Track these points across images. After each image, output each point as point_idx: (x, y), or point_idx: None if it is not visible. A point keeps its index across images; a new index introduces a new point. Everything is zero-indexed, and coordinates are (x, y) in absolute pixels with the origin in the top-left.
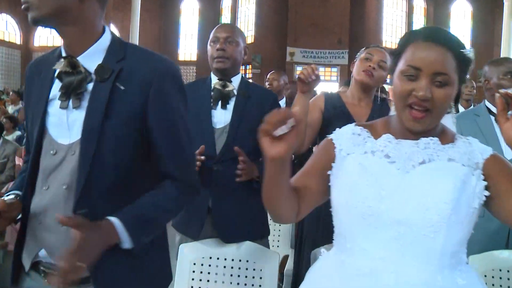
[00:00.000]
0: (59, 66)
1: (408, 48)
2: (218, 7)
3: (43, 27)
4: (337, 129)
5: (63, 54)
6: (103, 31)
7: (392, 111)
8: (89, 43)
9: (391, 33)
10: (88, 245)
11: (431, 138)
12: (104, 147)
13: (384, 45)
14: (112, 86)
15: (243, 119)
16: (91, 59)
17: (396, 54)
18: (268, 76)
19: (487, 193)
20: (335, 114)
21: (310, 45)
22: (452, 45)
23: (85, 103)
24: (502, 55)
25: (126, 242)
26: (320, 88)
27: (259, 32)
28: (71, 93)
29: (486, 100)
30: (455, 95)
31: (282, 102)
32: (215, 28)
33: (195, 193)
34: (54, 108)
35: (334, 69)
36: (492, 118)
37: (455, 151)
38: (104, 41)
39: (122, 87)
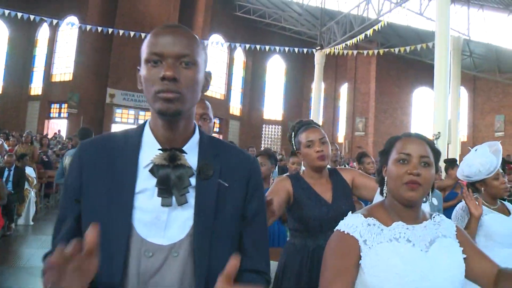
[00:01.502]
0: (157, 159)
1: (396, 143)
2: (33, 37)
3: (168, 118)
4: (344, 221)
5: (158, 146)
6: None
7: (377, 198)
8: (189, 136)
9: (212, 82)
10: None
11: (430, 221)
12: (214, 246)
13: (205, 93)
14: (218, 184)
15: None
16: (189, 153)
17: (385, 152)
18: None
19: (464, 255)
20: (306, 196)
21: (132, 88)
22: (427, 140)
23: (190, 200)
24: (311, 111)
25: None
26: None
27: (78, 70)
28: (172, 189)
29: None
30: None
31: None
32: None
33: None
34: (145, 203)
35: None
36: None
37: (441, 228)
38: (197, 135)
39: (226, 184)
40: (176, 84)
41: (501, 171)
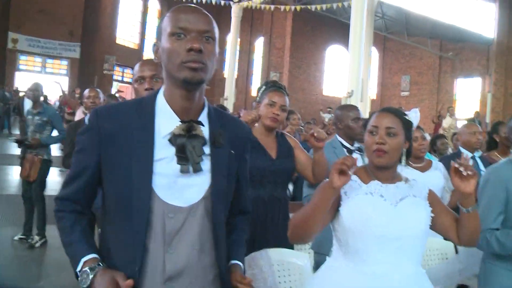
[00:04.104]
0: (177, 130)
1: (371, 117)
2: None
3: (192, 86)
4: None
5: (173, 115)
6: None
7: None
8: (201, 107)
9: (125, 30)
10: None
11: (403, 182)
12: (225, 206)
13: (118, 42)
14: (228, 152)
15: None
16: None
17: (366, 122)
18: (88, 94)
19: (432, 214)
20: (254, 148)
21: (38, 33)
22: (397, 113)
23: (204, 167)
24: (226, 64)
25: None
26: (49, 80)
27: None
28: (188, 157)
29: (337, 136)
30: (406, 152)
31: None
32: (138, 66)
33: None
34: (164, 169)
35: (64, 62)
36: (345, 150)
37: (413, 189)
38: (206, 107)
39: (232, 151)
40: (200, 56)
41: (423, 134)
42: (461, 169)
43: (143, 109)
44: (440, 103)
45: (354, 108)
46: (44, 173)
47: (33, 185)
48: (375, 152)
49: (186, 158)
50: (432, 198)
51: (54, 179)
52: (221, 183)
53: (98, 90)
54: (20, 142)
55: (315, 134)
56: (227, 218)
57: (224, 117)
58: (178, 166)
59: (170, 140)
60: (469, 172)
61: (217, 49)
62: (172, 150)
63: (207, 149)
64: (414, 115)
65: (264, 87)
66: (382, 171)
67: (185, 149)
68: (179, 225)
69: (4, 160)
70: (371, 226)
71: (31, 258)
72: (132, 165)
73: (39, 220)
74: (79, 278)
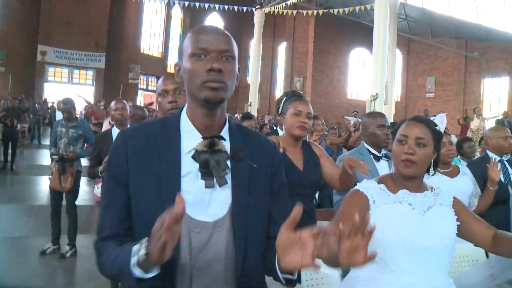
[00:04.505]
0: (199, 146)
1: (401, 125)
2: None
3: (212, 105)
4: (361, 183)
5: (197, 133)
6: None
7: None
8: (222, 124)
9: (149, 39)
10: None
11: (430, 191)
12: (250, 220)
13: (142, 51)
14: (249, 166)
15: None
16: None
17: (395, 130)
18: (115, 106)
19: (458, 222)
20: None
21: (65, 45)
22: (428, 123)
23: (227, 181)
24: (249, 70)
25: None
26: (74, 91)
27: (4, 24)
28: (212, 172)
29: (364, 143)
30: (434, 161)
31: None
32: (161, 80)
33: None
34: (190, 186)
35: (90, 72)
36: (372, 156)
37: (439, 198)
38: (227, 122)
39: (255, 165)
40: (220, 75)
41: (450, 138)
42: None
43: (168, 127)
44: (466, 104)
45: (380, 115)
46: (77, 183)
47: (67, 195)
48: (403, 162)
49: (210, 174)
50: (457, 206)
51: (82, 188)
52: (241, 197)
53: (125, 101)
54: (61, 158)
55: (361, 171)
56: (268, 244)
57: (246, 132)
58: (203, 182)
59: (193, 157)
60: None
61: (237, 67)
62: (196, 166)
63: (228, 164)
64: (440, 120)
65: (285, 97)
66: (409, 180)
67: (209, 165)
68: (205, 240)
69: (35, 171)
70: (401, 236)
71: (62, 268)
72: (161, 182)
73: (70, 229)
74: (132, 257)
